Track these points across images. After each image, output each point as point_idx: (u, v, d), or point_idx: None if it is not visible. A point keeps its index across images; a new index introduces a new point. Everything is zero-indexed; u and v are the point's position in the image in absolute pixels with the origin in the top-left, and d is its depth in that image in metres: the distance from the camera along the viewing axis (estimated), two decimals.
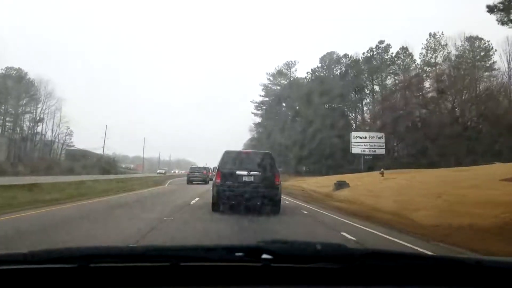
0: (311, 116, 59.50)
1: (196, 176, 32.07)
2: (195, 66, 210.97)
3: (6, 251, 1.63)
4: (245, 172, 10.66)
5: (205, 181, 30.45)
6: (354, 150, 45.16)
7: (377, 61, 58.82)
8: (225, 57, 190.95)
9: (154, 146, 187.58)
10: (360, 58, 60.81)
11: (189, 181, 31.08)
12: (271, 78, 72.99)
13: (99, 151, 69.05)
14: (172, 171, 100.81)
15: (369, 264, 1.49)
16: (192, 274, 1.43)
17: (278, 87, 72.26)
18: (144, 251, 1.52)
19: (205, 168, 33.76)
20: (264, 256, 1.42)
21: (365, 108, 62.55)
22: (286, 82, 71.52)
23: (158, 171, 69.67)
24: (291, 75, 71.89)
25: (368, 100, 61.91)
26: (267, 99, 73.37)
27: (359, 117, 62.46)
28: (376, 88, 60.21)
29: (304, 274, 1.46)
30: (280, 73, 71.77)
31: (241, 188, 10.45)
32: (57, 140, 67.44)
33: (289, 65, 71.73)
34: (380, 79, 58.97)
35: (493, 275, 1.49)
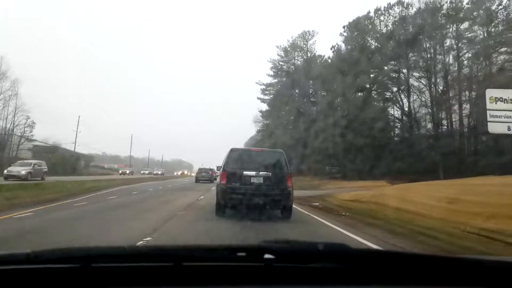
0: (341, 98, 42.96)
1: (203, 176, 37.30)
2: (194, 59, 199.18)
3: (8, 251, 1.58)
4: (253, 173, 9.74)
5: (210, 180, 35.16)
6: (494, 127, 16.17)
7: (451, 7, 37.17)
8: (226, 44, 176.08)
9: (150, 146, 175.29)
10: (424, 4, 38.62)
11: (197, 180, 36.49)
12: (283, 54, 57.13)
13: (83, 149, 63.35)
14: (125, 171, 69.39)
15: (371, 264, 1.50)
16: (194, 274, 1.43)
17: (292, 67, 56.09)
18: (146, 251, 1.52)
19: (210, 169, 38.08)
20: (266, 256, 1.41)
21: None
22: (301, 61, 55.26)
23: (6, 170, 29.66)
24: (309, 48, 55.71)
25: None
26: (276, 80, 57.45)
27: (426, 93, 37.89)
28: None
29: (306, 274, 1.46)
30: (294, 46, 55.82)
31: (249, 191, 9.48)
32: (13, 132, 54.15)
33: (305, 37, 56.32)
34: (455, 31, 36.54)
35: (493, 274, 1.50)
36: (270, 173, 9.76)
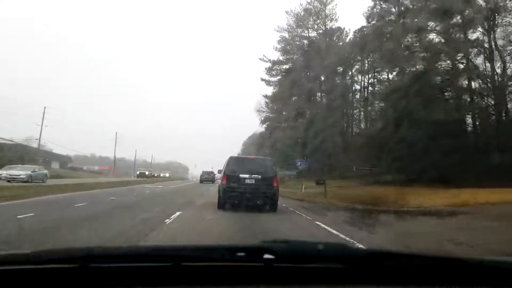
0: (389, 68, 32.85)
1: (206, 178, 43.73)
2: (189, 56, 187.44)
3: (9, 251, 1.60)
4: (247, 175, 11.92)
5: (212, 181, 40.35)
6: None
7: None
8: (223, 27, 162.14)
9: (148, 150, 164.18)
10: None
11: (201, 181, 42.94)
12: (293, 24, 43.52)
13: (58, 149, 59.33)
14: None
15: (371, 264, 1.50)
16: (194, 274, 1.42)
17: (305, 41, 42.98)
18: (146, 251, 1.51)
19: (212, 172, 43.08)
20: (266, 256, 1.41)
21: None
22: (319, 31, 41.90)
23: None
24: (328, 14, 42.48)
25: None
26: (285, 57, 44.15)
27: None
28: None
29: (306, 274, 1.46)
30: (308, 12, 42.05)
31: (244, 189, 11.73)
32: None
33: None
34: None
35: (494, 275, 1.50)
36: (260, 176, 12.00)
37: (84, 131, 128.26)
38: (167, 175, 77.84)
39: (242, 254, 1.42)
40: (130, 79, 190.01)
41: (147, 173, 60.97)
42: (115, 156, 79.46)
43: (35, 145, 57.98)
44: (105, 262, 1.38)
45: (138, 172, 61.42)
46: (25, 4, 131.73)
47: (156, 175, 67.45)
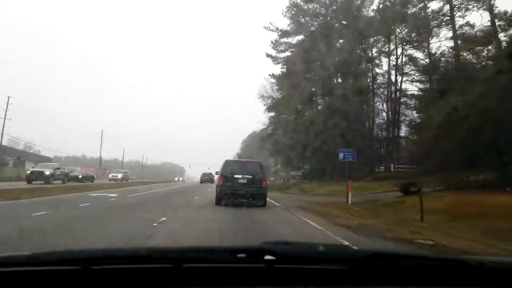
0: None
1: (206, 178, 47.04)
2: (189, 56, 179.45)
3: (9, 253, 1.53)
4: (240, 176, 13.58)
5: (212, 181, 40.35)
6: None
7: None
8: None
9: (140, 149, 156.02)
10: None
11: (201, 182, 47.57)
12: None
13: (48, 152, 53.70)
14: None
15: (372, 265, 1.48)
16: (195, 276, 1.41)
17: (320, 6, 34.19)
18: (147, 252, 1.49)
19: (211, 173, 42.79)
20: (267, 257, 1.40)
21: None
22: None
23: None
24: None
25: None
26: (294, 26, 35.00)
27: None
28: None
29: (307, 275, 1.44)
30: None
31: (237, 188, 13.44)
32: None
33: None
34: None
35: (494, 275, 1.48)
36: (251, 176, 13.62)
37: (81, 132, 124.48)
38: (119, 176, 46.96)
39: (243, 255, 1.40)
40: (129, 79, 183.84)
41: (47, 172, 28.77)
42: (100, 157, 69.82)
43: (20, 147, 54.90)
44: (107, 264, 1.36)
45: (28, 171, 29.97)
46: (19, 4, 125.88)
47: (80, 176, 36.34)
